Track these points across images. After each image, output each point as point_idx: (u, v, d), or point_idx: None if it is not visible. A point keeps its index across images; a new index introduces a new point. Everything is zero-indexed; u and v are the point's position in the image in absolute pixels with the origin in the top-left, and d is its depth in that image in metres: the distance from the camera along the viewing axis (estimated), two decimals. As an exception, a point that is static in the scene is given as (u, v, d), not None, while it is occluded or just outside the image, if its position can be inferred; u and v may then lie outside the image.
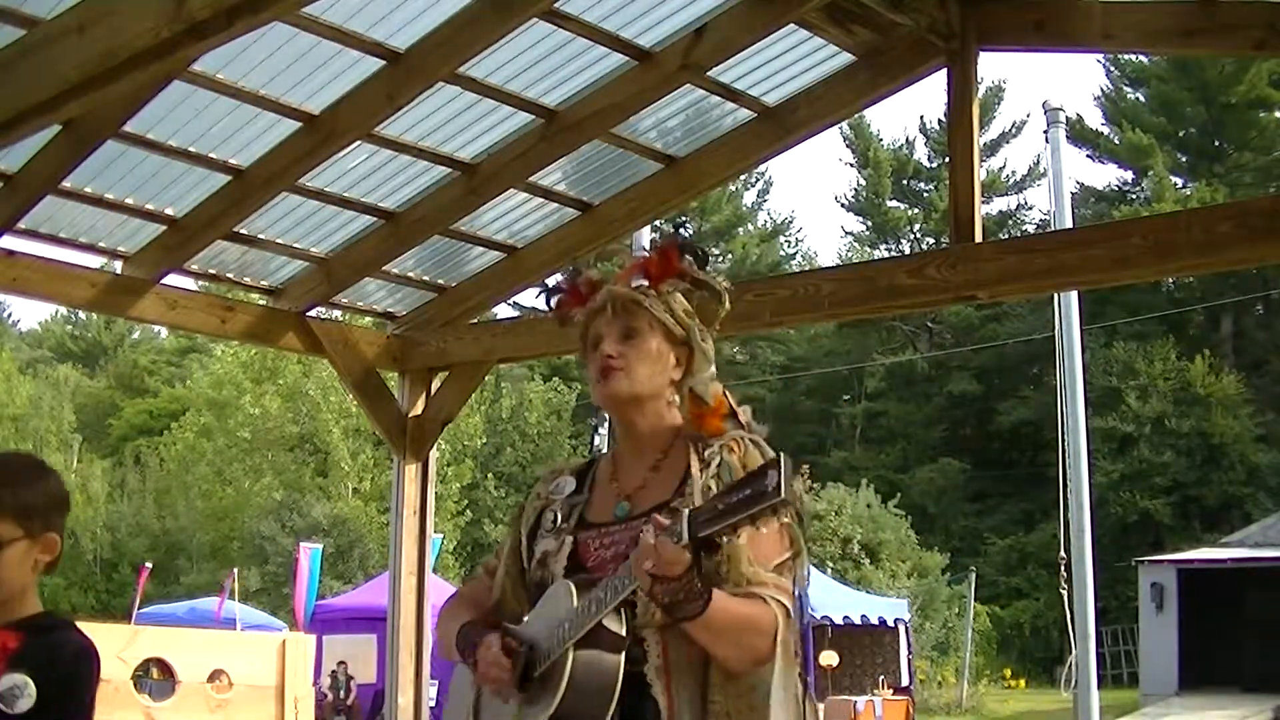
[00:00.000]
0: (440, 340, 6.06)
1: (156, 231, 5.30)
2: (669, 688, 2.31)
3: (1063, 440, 14.99)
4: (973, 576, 27.89)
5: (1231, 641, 23.86)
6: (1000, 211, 42.50)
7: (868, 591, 23.87)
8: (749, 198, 46.00)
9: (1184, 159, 40.33)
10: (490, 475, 32.17)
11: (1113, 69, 40.90)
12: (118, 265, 5.47)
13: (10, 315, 57.72)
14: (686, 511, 2.17)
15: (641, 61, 4.75)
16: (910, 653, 22.44)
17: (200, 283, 6.32)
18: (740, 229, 44.80)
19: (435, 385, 6.19)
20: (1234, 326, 39.27)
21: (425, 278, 6.02)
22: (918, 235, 43.77)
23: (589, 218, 5.63)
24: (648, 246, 2.79)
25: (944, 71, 4.77)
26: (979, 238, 4.76)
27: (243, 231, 5.38)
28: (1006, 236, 29.99)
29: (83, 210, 5.11)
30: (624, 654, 2.30)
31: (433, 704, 6.62)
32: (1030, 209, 43.30)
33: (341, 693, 18.74)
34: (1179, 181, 39.43)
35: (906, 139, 45.35)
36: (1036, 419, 35.09)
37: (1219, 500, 33.79)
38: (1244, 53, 14.51)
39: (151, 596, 22.56)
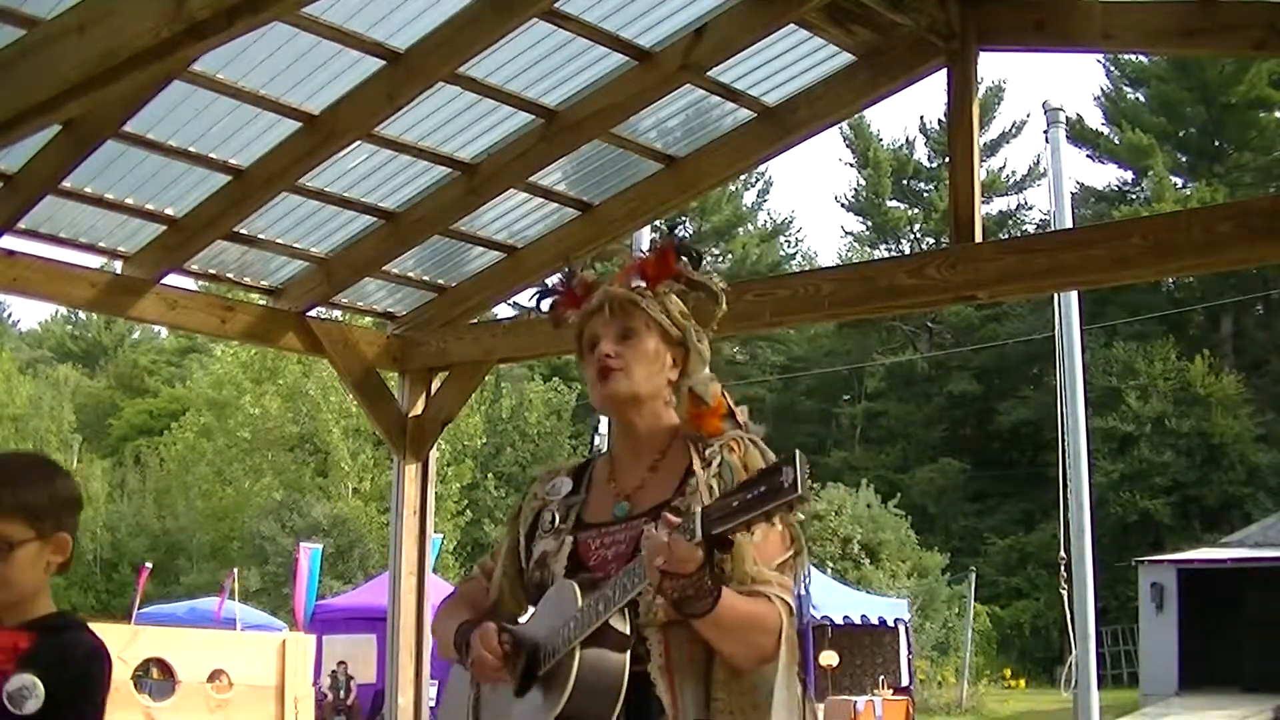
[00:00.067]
0: (440, 340, 6.06)
1: (156, 231, 5.30)
2: (672, 686, 2.32)
3: (1063, 440, 14.98)
4: (973, 576, 27.90)
5: (1231, 641, 23.87)
6: (1000, 211, 42.58)
7: (868, 591, 23.88)
8: (749, 198, 46.08)
9: (1184, 159, 40.35)
10: (490, 475, 32.19)
11: (1113, 69, 40.97)
12: (118, 265, 5.47)
13: (10, 315, 57.83)
14: (699, 509, 2.17)
15: (641, 61, 4.75)
16: (910, 653, 22.45)
17: (200, 283, 6.32)
18: (740, 229, 44.82)
19: (435, 385, 6.19)
20: (1234, 326, 39.29)
21: (425, 278, 6.02)
22: (918, 235, 43.78)
23: (589, 218, 5.62)
24: (648, 246, 2.79)
25: (944, 71, 4.77)
26: (979, 238, 4.76)
27: (243, 231, 5.38)
28: (1006, 236, 29.98)
29: (83, 210, 5.11)
30: (629, 653, 2.30)
31: (433, 704, 6.61)
32: (1030, 209, 43.43)
33: (341, 693, 18.75)
34: (1179, 181, 39.45)
35: (906, 139, 45.49)
36: (1036, 419, 35.10)
37: (1219, 500, 33.80)
38: (1244, 53, 14.50)
39: (151, 596, 22.57)
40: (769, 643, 2.30)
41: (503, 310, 8.92)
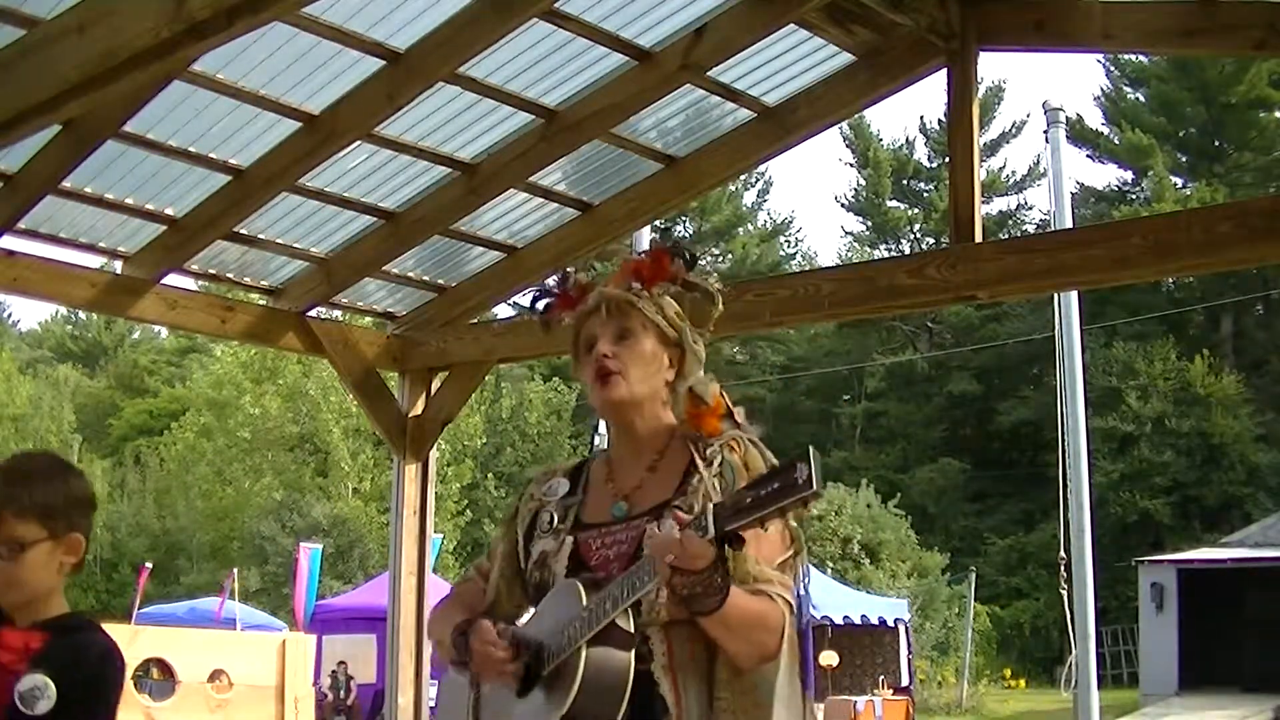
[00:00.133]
0: (440, 340, 6.06)
1: (156, 231, 5.30)
2: (676, 685, 2.33)
3: (1063, 440, 14.98)
4: (973, 576, 27.91)
5: (1231, 641, 23.87)
6: (1000, 211, 42.59)
7: (868, 591, 23.88)
8: (749, 198, 46.05)
9: (1184, 159, 40.35)
10: (490, 475, 32.19)
11: (1113, 69, 40.97)
12: (118, 265, 5.47)
13: (10, 315, 57.81)
14: (711, 506, 2.18)
15: (641, 61, 4.75)
16: (910, 653, 22.46)
17: (200, 283, 6.32)
18: (740, 229, 44.80)
19: (435, 385, 6.19)
20: (1234, 326, 39.29)
21: (425, 278, 6.02)
22: (918, 235, 43.78)
23: (589, 218, 5.63)
24: (648, 247, 2.80)
25: (944, 71, 4.77)
26: (979, 238, 4.76)
27: (243, 231, 5.38)
28: (1006, 236, 29.98)
29: (83, 210, 5.11)
30: (634, 652, 2.30)
31: (433, 704, 6.62)
32: (1030, 209, 43.43)
33: (341, 693, 18.76)
34: (1179, 181, 39.45)
35: (906, 139, 45.48)
36: (1036, 419, 35.10)
37: (1219, 500, 33.81)
38: (1244, 53, 14.50)
39: (151, 596, 22.56)
40: (772, 641, 2.31)
41: (503, 310, 8.92)
